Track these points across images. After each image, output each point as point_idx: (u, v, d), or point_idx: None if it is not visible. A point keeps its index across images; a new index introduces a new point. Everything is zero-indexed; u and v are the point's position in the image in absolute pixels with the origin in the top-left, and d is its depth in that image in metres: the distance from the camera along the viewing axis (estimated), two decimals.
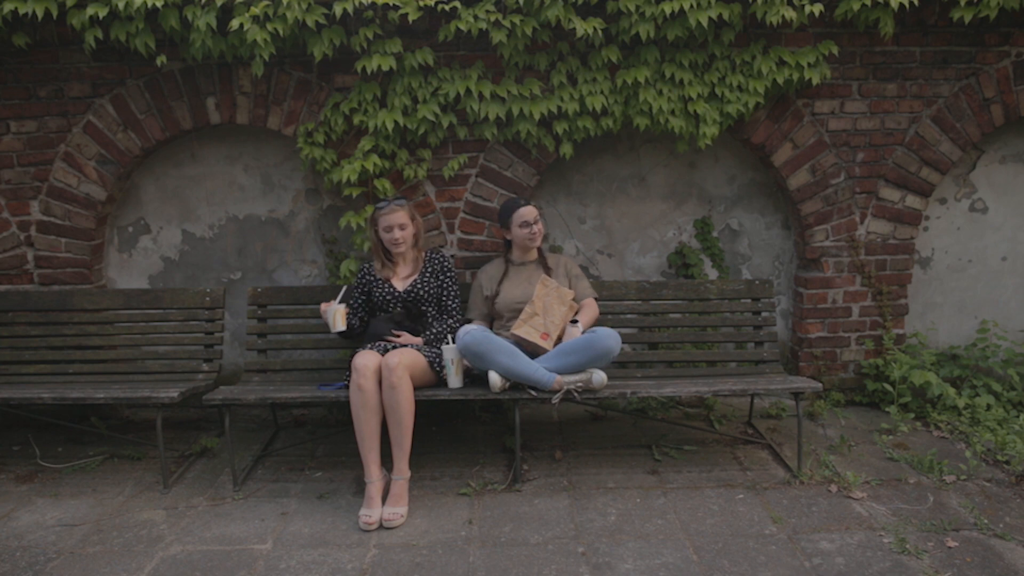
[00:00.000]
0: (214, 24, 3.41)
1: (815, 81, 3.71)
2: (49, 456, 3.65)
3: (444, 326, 3.48)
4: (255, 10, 3.35)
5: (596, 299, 3.59)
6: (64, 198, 3.85)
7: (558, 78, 3.71)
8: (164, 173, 4.08)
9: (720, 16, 3.53)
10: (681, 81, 3.70)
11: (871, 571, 2.52)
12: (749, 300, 3.81)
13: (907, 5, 3.52)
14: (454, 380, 3.22)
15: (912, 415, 3.87)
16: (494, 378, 3.13)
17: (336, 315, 3.25)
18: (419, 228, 3.50)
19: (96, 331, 3.77)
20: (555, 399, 3.16)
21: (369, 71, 3.55)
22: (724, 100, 3.72)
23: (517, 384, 3.19)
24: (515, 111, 3.68)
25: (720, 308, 3.80)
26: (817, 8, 3.50)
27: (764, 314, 3.79)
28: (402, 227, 3.40)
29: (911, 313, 4.18)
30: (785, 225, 4.24)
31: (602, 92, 3.69)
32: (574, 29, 3.51)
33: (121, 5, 3.29)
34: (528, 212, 3.47)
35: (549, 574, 2.56)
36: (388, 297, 3.44)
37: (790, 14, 3.48)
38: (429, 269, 3.51)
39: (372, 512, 2.91)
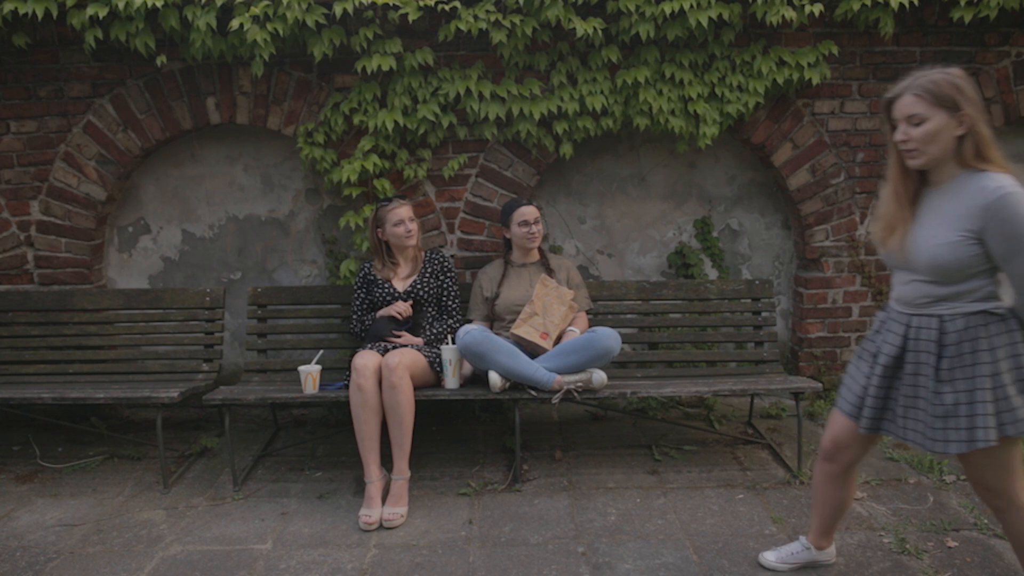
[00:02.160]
0: (214, 24, 3.41)
1: (815, 81, 3.71)
2: (49, 456, 3.65)
3: (444, 326, 3.48)
4: (255, 10, 3.35)
5: (588, 311, 3.62)
6: (64, 198, 3.85)
7: (558, 78, 3.71)
8: (164, 173, 4.08)
9: (720, 16, 3.53)
10: (681, 81, 3.70)
11: (871, 571, 2.52)
12: (749, 300, 3.81)
13: (907, 5, 3.52)
14: (451, 381, 3.22)
15: None
16: (494, 378, 3.13)
17: (308, 377, 3.21)
18: (418, 227, 3.51)
19: (96, 331, 3.77)
20: (555, 399, 3.16)
21: (369, 71, 3.55)
22: (724, 100, 3.72)
23: (517, 384, 3.19)
24: (515, 111, 3.68)
25: (720, 308, 3.80)
26: (817, 8, 3.50)
27: (764, 314, 3.79)
28: (411, 219, 3.43)
29: None
30: (785, 225, 4.24)
31: (602, 92, 3.69)
32: (574, 29, 3.51)
33: (121, 5, 3.30)
34: (529, 212, 3.47)
35: (549, 574, 2.56)
36: (388, 297, 3.44)
37: (790, 14, 3.48)
38: (429, 269, 3.52)
39: (372, 512, 2.91)
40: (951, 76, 1.95)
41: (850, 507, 2.55)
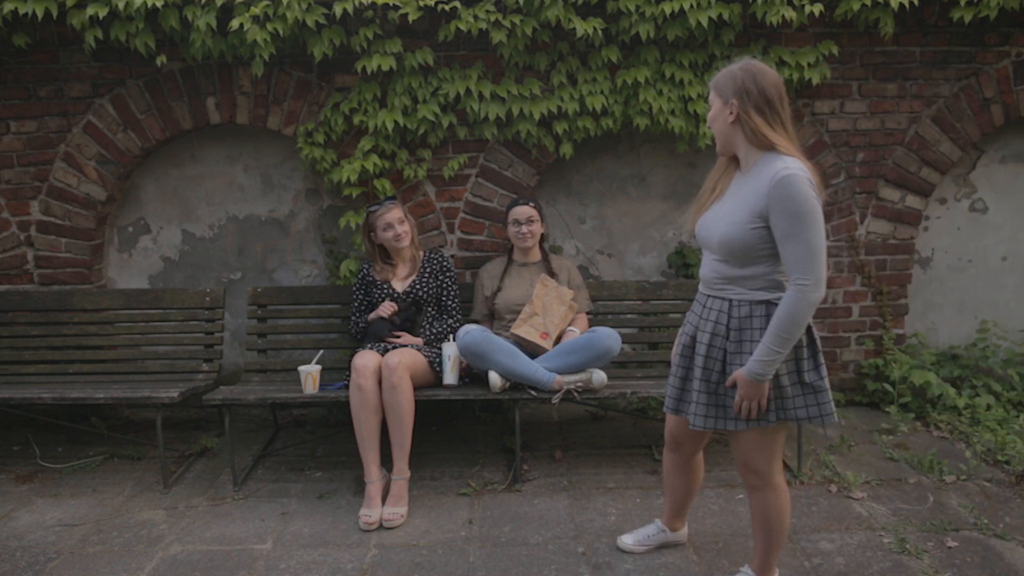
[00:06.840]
0: (214, 24, 3.41)
1: (815, 81, 3.71)
2: (49, 456, 3.65)
3: (444, 326, 3.48)
4: (255, 10, 3.35)
5: (588, 312, 3.61)
6: (64, 198, 3.85)
7: (558, 78, 3.71)
8: (164, 173, 4.09)
9: (720, 16, 3.53)
10: (681, 81, 3.70)
11: (871, 571, 2.52)
12: None
13: (907, 5, 3.52)
14: (449, 377, 3.21)
15: (912, 415, 3.87)
16: (494, 378, 3.13)
17: (308, 377, 3.20)
18: (413, 227, 3.50)
19: (96, 331, 3.77)
20: (555, 399, 3.16)
21: (369, 71, 3.55)
22: None
23: (517, 384, 3.19)
24: (515, 111, 3.68)
25: None
26: (817, 8, 3.50)
27: None
28: (401, 222, 3.41)
29: (911, 313, 4.19)
30: None
31: (602, 92, 3.69)
32: (574, 29, 3.51)
33: (121, 5, 3.30)
34: (521, 212, 3.47)
35: (549, 574, 2.56)
36: (387, 299, 3.44)
37: (790, 14, 3.48)
38: (428, 269, 3.51)
39: (372, 512, 2.91)
40: (733, 67, 2.07)
41: (697, 492, 2.66)
